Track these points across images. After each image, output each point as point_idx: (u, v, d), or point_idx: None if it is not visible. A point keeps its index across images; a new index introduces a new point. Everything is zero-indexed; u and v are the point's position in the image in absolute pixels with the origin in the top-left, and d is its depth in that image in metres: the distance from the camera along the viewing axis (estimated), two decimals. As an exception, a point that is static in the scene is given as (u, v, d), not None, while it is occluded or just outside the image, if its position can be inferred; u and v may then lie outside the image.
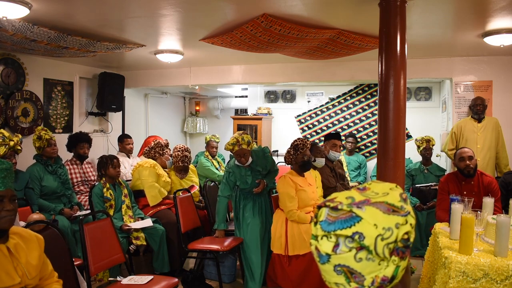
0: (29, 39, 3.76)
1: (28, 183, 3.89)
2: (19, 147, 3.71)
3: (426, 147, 5.16)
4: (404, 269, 0.87)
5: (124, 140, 5.72)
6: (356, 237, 0.83)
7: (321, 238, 0.87)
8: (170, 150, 4.96)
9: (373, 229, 0.83)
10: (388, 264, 0.85)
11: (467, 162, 3.58)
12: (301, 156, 3.79)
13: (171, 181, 4.78)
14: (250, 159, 3.99)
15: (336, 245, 0.85)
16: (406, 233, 0.85)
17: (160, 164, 4.69)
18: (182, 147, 4.87)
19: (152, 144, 4.84)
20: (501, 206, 3.56)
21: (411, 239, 0.86)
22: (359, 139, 6.70)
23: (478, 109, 4.79)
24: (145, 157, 4.81)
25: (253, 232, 3.92)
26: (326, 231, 0.87)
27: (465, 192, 3.59)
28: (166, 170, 4.83)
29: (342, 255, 0.85)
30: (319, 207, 0.92)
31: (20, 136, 3.80)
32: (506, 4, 3.10)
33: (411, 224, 0.86)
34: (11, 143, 3.61)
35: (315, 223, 0.91)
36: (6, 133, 3.64)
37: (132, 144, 5.73)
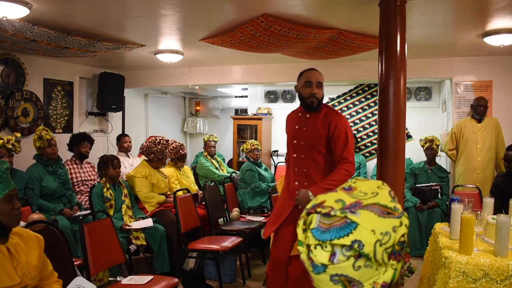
0: (29, 39, 3.76)
1: (28, 183, 3.88)
2: (10, 146, 3.72)
3: (429, 147, 5.17)
4: (400, 271, 0.85)
5: (121, 139, 5.76)
6: (356, 245, 0.78)
7: (315, 248, 0.82)
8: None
9: (371, 236, 0.78)
10: (386, 269, 0.82)
11: None
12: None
13: (168, 177, 4.82)
14: None
15: (333, 255, 0.80)
16: (403, 235, 0.82)
17: (158, 164, 4.69)
18: (176, 144, 4.99)
19: (154, 149, 4.59)
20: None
21: (406, 240, 0.83)
22: (359, 139, 6.69)
23: (481, 110, 4.77)
24: (145, 156, 4.76)
25: None
26: (320, 240, 0.81)
27: None
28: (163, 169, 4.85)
29: (340, 264, 0.80)
30: (308, 213, 0.86)
31: (18, 135, 3.80)
32: (506, 4, 3.10)
33: (405, 225, 0.82)
34: (0, 141, 3.65)
35: (304, 230, 0.86)
36: None
37: (130, 142, 5.76)
